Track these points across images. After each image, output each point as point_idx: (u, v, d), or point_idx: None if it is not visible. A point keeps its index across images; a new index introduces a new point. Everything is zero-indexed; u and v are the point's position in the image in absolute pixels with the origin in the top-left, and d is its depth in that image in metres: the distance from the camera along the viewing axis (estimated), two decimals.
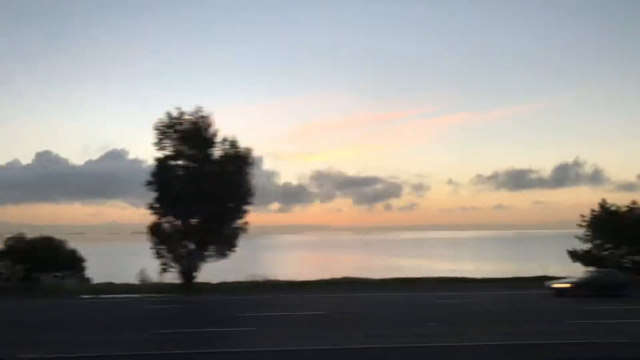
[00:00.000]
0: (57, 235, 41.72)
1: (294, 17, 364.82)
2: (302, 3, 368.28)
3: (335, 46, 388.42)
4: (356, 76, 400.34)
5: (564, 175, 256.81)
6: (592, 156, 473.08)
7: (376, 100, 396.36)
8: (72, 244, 41.28)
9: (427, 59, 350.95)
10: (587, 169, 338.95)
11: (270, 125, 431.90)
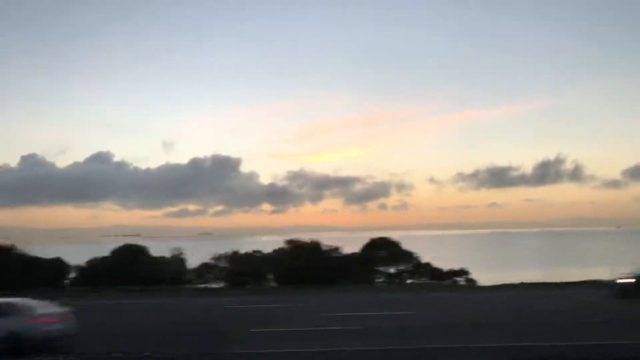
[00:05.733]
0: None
1: (294, 16, 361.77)
2: (303, 2, 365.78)
3: (336, 45, 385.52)
4: (358, 76, 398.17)
5: (545, 172, 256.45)
6: (575, 153, 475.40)
7: (378, 100, 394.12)
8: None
9: (428, 56, 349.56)
10: (569, 166, 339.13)
11: (270, 126, 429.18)
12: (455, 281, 41.37)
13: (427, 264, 43.38)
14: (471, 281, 41.23)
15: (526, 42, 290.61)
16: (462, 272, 42.07)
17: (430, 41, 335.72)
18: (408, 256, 43.62)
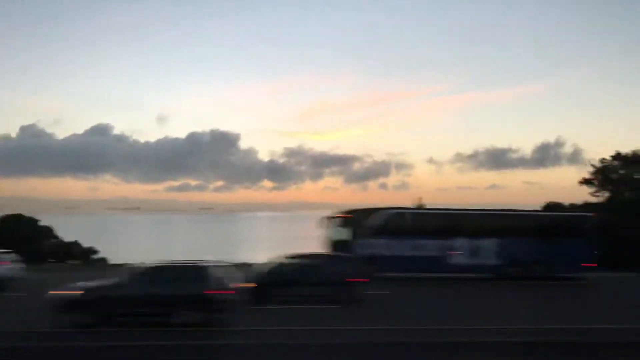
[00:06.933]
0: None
1: None
2: None
3: (341, 26, 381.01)
4: (362, 56, 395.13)
5: (545, 155, 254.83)
6: (575, 136, 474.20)
7: (381, 81, 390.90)
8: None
9: (431, 38, 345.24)
10: (568, 149, 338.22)
11: (271, 104, 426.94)
12: None
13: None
14: None
15: (527, 25, 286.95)
16: None
17: (433, 24, 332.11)
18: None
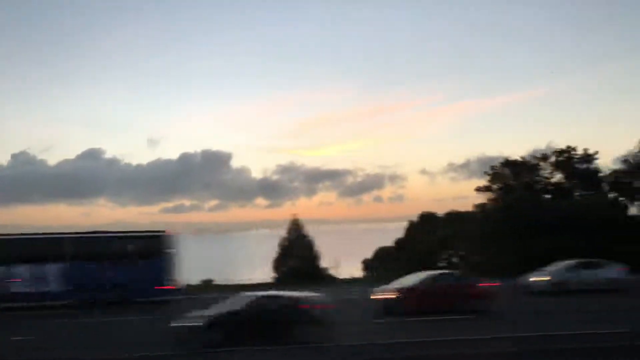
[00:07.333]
0: None
1: (294, 9, 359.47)
2: None
3: (333, 41, 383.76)
4: (353, 70, 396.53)
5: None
6: (566, 142, 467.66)
7: (374, 93, 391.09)
8: None
9: (428, 47, 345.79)
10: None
11: (267, 122, 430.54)
12: None
13: None
14: None
15: (519, 33, 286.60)
16: None
17: (425, 35, 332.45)
18: None
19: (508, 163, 49.72)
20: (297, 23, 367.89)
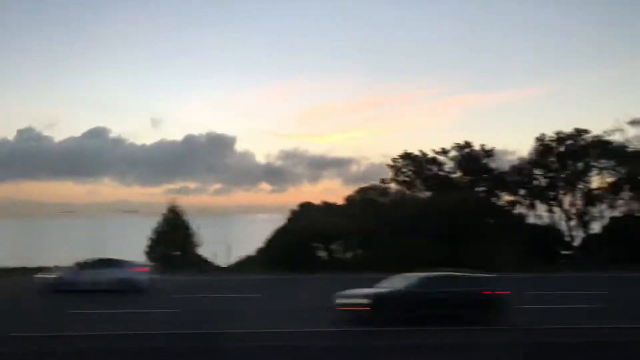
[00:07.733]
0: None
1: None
2: None
3: (339, 29, 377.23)
4: (360, 59, 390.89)
5: None
6: None
7: (380, 83, 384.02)
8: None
9: (432, 39, 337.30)
10: None
11: (273, 108, 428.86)
12: None
13: None
14: None
15: (524, 27, 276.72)
16: None
17: (432, 27, 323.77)
18: None
19: (407, 156, 48.41)
20: (306, 12, 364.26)
